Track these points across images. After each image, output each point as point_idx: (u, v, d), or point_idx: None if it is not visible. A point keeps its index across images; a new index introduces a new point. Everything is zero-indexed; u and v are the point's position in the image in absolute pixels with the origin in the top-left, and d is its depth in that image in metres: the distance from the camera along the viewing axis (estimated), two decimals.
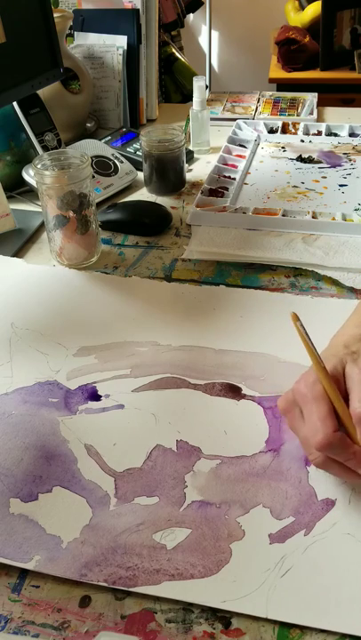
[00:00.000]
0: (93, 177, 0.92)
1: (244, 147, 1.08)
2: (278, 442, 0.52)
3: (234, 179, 0.97)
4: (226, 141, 1.07)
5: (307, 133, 1.14)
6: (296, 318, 0.48)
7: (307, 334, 0.47)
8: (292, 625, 0.40)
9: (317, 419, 0.44)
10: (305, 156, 1.04)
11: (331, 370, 0.47)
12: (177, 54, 1.62)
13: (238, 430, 0.53)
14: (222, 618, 0.41)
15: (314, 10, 2.14)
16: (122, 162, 0.97)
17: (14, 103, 0.92)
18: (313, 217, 0.83)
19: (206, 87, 1.10)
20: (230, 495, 0.48)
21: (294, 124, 1.16)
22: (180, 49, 1.82)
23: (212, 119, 1.12)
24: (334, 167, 1.00)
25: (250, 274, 0.75)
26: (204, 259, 0.78)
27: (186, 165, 0.99)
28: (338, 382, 0.46)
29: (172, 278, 0.75)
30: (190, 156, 1.07)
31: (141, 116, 1.22)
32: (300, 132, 1.13)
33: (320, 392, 0.45)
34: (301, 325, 0.47)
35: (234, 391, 0.57)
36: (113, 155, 0.98)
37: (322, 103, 1.30)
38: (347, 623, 0.40)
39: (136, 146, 1.05)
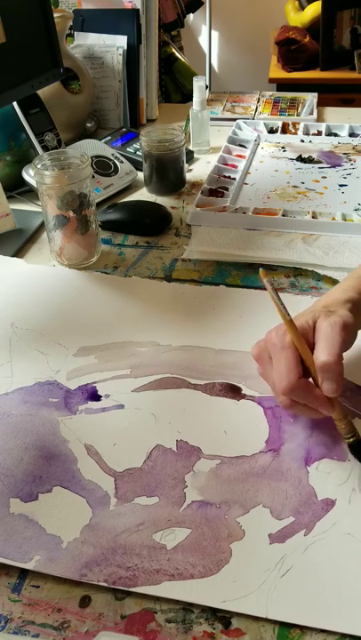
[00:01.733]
0: (93, 177, 0.92)
1: (244, 147, 1.08)
2: (278, 442, 0.52)
3: (234, 179, 0.97)
4: (226, 141, 1.07)
5: (307, 133, 1.14)
6: (265, 275, 0.51)
7: (275, 291, 0.50)
8: (292, 625, 0.40)
9: (284, 366, 0.48)
10: (305, 156, 1.04)
11: (302, 323, 0.50)
12: (177, 54, 1.62)
13: (238, 430, 0.53)
14: (222, 618, 0.41)
15: (314, 10, 2.14)
16: (122, 162, 0.97)
17: (14, 103, 0.92)
18: (313, 217, 0.83)
19: (206, 87, 1.10)
20: (230, 495, 0.48)
21: (294, 124, 1.16)
22: (180, 49, 1.82)
23: (212, 119, 1.12)
24: (334, 167, 1.00)
25: (250, 274, 0.75)
26: (204, 259, 0.78)
27: (186, 165, 0.99)
28: (307, 334, 0.50)
29: (172, 278, 0.75)
30: (190, 156, 1.07)
31: (141, 116, 1.22)
32: (300, 132, 1.13)
33: (288, 342, 0.49)
34: (270, 282, 0.51)
35: (234, 391, 0.58)
36: (113, 155, 0.98)
37: (322, 103, 1.30)
38: (347, 623, 0.40)
39: (136, 146, 1.05)
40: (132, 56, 1.14)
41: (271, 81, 2.16)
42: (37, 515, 0.47)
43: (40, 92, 0.96)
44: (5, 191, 0.87)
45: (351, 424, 0.49)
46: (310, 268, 0.74)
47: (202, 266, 0.77)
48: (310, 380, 0.50)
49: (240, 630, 0.40)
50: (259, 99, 1.33)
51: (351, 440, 0.49)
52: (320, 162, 1.02)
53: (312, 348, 0.50)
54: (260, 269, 0.51)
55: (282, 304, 0.50)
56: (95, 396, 0.58)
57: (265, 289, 0.71)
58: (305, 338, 0.50)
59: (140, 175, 0.98)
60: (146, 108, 1.24)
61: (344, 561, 0.43)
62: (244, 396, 0.57)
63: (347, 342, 0.49)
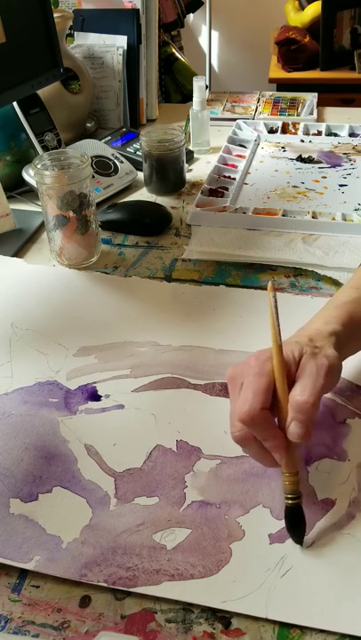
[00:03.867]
0: (93, 177, 0.92)
1: (244, 147, 1.08)
2: None
3: (234, 179, 0.97)
4: (226, 141, 1.07)
5: (307, 133, 1.14)
6: (272, 289, 0.47)
7: (276, 309, 0.47)
8: (292, 625, 0.40)
9: (251, 391, 0.44)
10: (305, 155, 1.04)
11: (288, 353, 0.46)
12: (177, 54, 1.62)
13: None
14: (222, 618, 0.41)
15: (314, 10, 2.14)
16: (122, 162, 0.97)
17: (14, 103, 0.92)
18: (313, 217, 0.83)
19: (206, 87, 1.10)
20: (230, 495, 0.48)
21: (294, 124, 1.16)
22: (180, 49, 1.82)
23: (212, 119, 1.12)
24: (334, 167, 1.00)
25: (250, 274, 0.75)
26: (204, 259, 0.78)
27: (186, 165, 0.99)
28: (289, 367, 0.46)
29: (172, 278, 0.75)
30: (190, 156, 1.07)
31: (141, 116, 1.22)
32: (300, 132, 1.13)
33: (267, 370, 0.45)
34: (274, 298, 0.47)
35: None
36: (113, 155, 0.98)
37: (322, 103, 1.30)
38: (347, 623, 0.40)
39: (136, 146, 1.05)
40: (132, 56, 1.14)
41: (271, 81, 2.16)
42: (37, 515, 0.47)
43: (40, 92, 0.96)
44: (5, 191, 0.87)
45: (298, 484, 0.45)
46: (310, 268, 0.74)
47: (202, 266, 0.77)
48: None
49: (240, 630, 0.40)
50: (259, 99, 1.33)
51: (291, 502, 0.44)
52: (320, 162, 1.02)
53: (291, 383, 0.46)
54: (270, 283, 0.47)
55: (278, 326, 0.46)
56: (95, 396, 0.58)
57: (265, 289, 0.71)
58: (286, 369, 0.46)
59: (140, 175, 0.98)
60: (146, 108, 1.24)
61: (344, 561, 0.43)
62: None
63: (329, 387, 0.46)
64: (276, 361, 0.46)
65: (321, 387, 0.45)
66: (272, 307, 0.47)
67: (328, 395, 0.56)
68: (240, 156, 1.04)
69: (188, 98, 1.56)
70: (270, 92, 1.37)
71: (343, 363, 0.49)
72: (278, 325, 0.46)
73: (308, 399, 0.44)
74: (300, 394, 0.44)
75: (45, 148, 0.94)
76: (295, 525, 0.44)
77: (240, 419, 0.44)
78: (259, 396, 0.44)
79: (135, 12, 1.12)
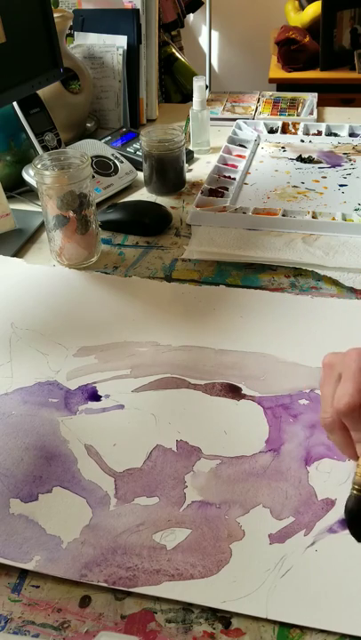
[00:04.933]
0: (93, 177, 0.92)
1: (244, 147, 1.08)
2: (278, 442, 0.52)
3: (234, 179, 0.97)
4: (226, 141, 1.07)
5: (307, 133, 1.14)
6: None
7: None
8: (292, 625, 0.40)
9: (352, 385, 0.45)
10: (305, 156, 1.04)
11: None
12: (177, 54, 1.62)
13: (238, 430, 0.53)
14: (222, 618, 0.41)
15: (314, 10, 2.14)
16: (122, 162, 0.97)
17: (14, 103, 0.92)
18: (313, 217, 0.83)
19: (206, 87, 1.10)
20: (230, 495, 0.48)
21: (294, 124, 1.16)
22: (180, 49, 1.82)
23: (212, 119, 1.12)
24: (334, 167, 1.00)
25: (250, 274, 0.75)
26: (204, 259, 0.78)
27: (186, 165, 0.99)
28: None
29: (172, 278, 0.75)
30: (190, 156, 1.07)
31: (141, 116, 1.22)
32: (300, 132, 1.13)
33: None
34: None
35: (234, 391, 0.57)
36: (113, 155, 0.98)
37: (322, 103, 1.30)
38: (347, 623, 0.40)
39: (136, 146, 1.05)
40: (132, 56, 1.14)
41: (271, 81, 2.16)
42: (37, 515, 0.47)
43: (40, 92, 0.96)
44: (5, 191, 0.87)
45: None
46: (310, 268, 0.74)
47: (202, 266, 0.77)
48: None
49: (240, 630, 0.40)
50: (259, 99, 1.33)
51: (358, 493, 0.45)
52: (320, 162, 1.02)
53: None
54: None
55: None
56: (95, 397, 0.58)
57: (265, 289, 0.71)
58: None
59: (140, 175, 0.98)
60: (146, 108, 1.24)
61: (344, 561, 0.43)
62: (244, 396, 0.57)
63: None
64: None
65: None
66: None
67: None
68: (240, 156, 1.04)
69: (188, 98, 1.56)
70: (270, 92, 1.37)
71: None
72: None
73: None
74: None
75: (45, 148, 0.94)
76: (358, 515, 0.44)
77: (337, 408, 0.45)
78: (360, 392, 0.45)
79: (135, 11, 1.12)
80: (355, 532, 0.44)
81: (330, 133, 1.13)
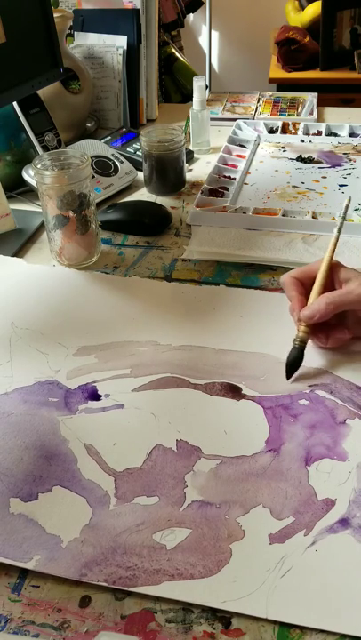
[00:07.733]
0: (93, 177, 0.92)
1: (244, 147, 1.08)
2: (278, 442, 0.52)
3: (234, 179, 0.97)
4: (226, 141, 1.07)
5: (307, 133, 1.14)
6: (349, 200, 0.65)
7: (343, 219, 0.64)
8: (292, 625, 0.40)
9: (300, 270, 0.62)
10: (305, 155, 1.04)
11: (342, 268, 0.61)
12: (177, 54, 1.62)
13: (238, 430, 0.53)
14: (222, 618, 0.41)
15: (314, 10, 2.14)
16: (122, 162, 0.97)
17: (14, 103, 0.92)
18: (313, 217, 0.83)
19: (206, 87, 1.10)
20: (230, 495, 0.48)
21: (294, 124, 1.16)
22: (180, 49, 1.82)
23: (212, 119, 1.12)
24: (334, 167, 1.00)
25: (250, 274, 0.75)
26: (204, 259, 0.78)
27: (186, 165, 0.99)
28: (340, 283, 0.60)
29: (172, 278, 0.75)
30: (190, 156, 1.07)
31: (141, 116, 1.22)
32: (300, 132, 1.13)
33: (318, 265, 0.62)
34: (346, 208, 0.64)
35: (234, 391, 0.57)
36: (113, 155, 0.98)
37: (322, 103, 1.30)
38: (347, 623, 0.40)
39: (136, 146, 1.05)
40: (132, 56, 1.14)
41: (271, 81, 2.16)
42: (37, 514, 0.47)
43: (40, 92, 0.96)
44: (5, 191, 0.87)
45: (308, 337, 0.58)
46: None
47: (202, 266, 0.77)
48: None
49: (240, 630, 0.40)
50: (259, 99, 1.33)
51: (297, 343, 0.58)
52: (320, 162, 1.02)
53: (331, 287, 0.60)
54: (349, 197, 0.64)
55: (336, 241, 0.63)
56: (95, 396, 0.58)
57: (265, 289, 0.71)
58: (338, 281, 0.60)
59: (140, 175, 0.98)
60: (146, 108, 1.24)
61: (344, 561, 0.43)
62: (244, 396, 0.57)
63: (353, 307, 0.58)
64: (325, 265, 0.60)
65: (348, 302, 0.57)
66: (341, 219, 0.64)
67: (328, 395, 0.56)
68: (240, 156, 1.04)
69: (188, 98, 1.56)
70: (270, 92, 1.37)
71: (343, 363, 0.49)
72: (336, 241, 0.63)
73: (331, 300, 0.57)
74: (328, 297, 0.57)
75: (45, 148, 0.94)
76: (295, 363, 0.58)
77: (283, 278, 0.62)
78: (303, 272, 0.62)
79: (135, 11, 1.12)
80: (289, 372, 0.58)
81: (330, 133, 1.13)
